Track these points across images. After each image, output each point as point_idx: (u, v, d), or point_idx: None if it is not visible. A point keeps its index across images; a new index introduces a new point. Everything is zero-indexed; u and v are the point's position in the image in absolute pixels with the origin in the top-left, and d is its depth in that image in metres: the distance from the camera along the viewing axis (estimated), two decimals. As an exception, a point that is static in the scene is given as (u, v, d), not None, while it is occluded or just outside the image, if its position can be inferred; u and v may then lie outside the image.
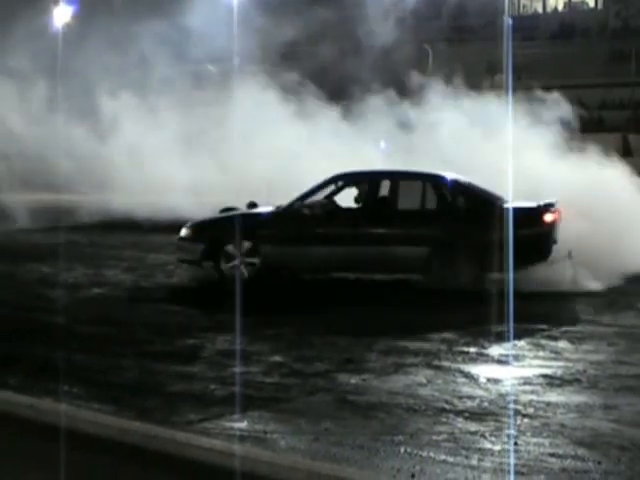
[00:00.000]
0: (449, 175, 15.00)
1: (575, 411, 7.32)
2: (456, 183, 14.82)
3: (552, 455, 6.22)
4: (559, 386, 8.11)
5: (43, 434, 2.71)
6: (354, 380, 8.34)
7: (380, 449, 6.32)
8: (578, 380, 8.33)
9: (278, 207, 14.81)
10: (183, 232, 15.02)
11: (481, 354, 9.51)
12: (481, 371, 8.69)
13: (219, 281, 14.39)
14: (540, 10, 55.59)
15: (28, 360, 9.14)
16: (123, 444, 2.45)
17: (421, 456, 6.18)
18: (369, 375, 8.55)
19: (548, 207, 14.25)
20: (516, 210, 14.07)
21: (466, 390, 7.98)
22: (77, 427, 2.52)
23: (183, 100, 23.19)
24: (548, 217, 14.17)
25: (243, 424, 6.91)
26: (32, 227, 23.72)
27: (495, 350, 9.68)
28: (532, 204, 14.32)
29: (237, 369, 8.67)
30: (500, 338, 10.09)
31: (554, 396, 7.76)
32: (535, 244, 14.01)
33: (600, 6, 52.69)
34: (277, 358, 9.24)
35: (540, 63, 45.79)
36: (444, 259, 13.84)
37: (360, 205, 14.75)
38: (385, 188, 14.89)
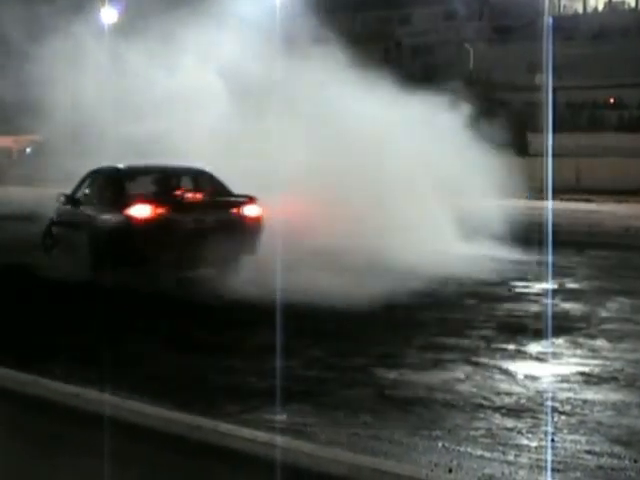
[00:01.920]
0: (116, 167, 15.26)
1: (612, 409, 7.34)
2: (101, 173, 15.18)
3: (588, 452, 6.26)
4: (596, 384, 8.14)
5: (89, 422, 2.80)
6: (392, 375, 8.42)
7: (418, 443, 6.39)
8: (615, 378, 8.35)
9: None
10: None
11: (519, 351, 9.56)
12: (519, 368, 8.74)
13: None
14: (580, 10, 55.33)
15: (71, 350, 9.31)
16: (167, 434, 2.53)
17: (458, 451, 6.24)
18: (407, 370, 8.63)
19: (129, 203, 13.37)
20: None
21: (504, 387, 8.04)
22: (122, 416, 2.61)
23: None
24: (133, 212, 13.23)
25: (283, 417, 6.99)
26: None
27: (534, 347, 9.71)
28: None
29: (277, 362, 8.74)
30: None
31: (591, 394, 7.79)
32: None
33: (641, 6, 52.40)
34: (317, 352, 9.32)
35: (580, 63, 45.61)
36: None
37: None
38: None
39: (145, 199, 13.39)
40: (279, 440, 2.23)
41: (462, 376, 8.36)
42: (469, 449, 6.28)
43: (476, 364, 8.86)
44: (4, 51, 24.64)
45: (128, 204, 13.23)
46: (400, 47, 55.40)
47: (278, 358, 8.61)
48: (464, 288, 13.71)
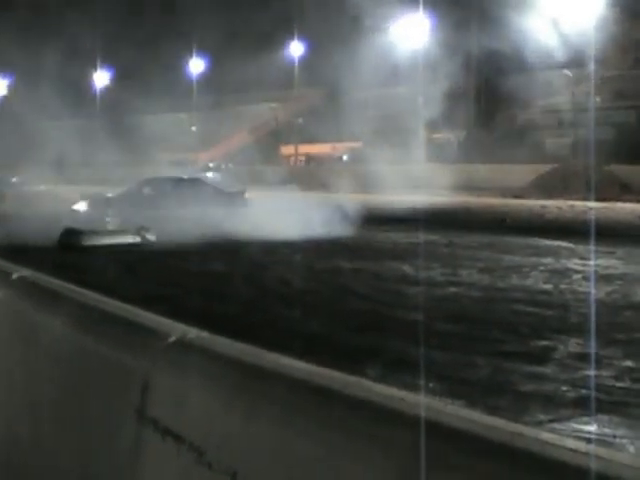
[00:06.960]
0: None
1: None
2: None
3: None
4: None
5: (408, 425, 3.03)
6: None
7: None
8: None
9: None
10: None
11: None
12: None
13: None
14: None
15: (386, 353, 9.67)
16: (488, 440, 2.70)
17: None
18: None
19: None
20: None
21: None
22: (445, 421, 2.80)
23: None
24: None
25: (592, 427, 7.01)
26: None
27: None
28: None
29: (588, 372, 8.73)
30: None
31: None
32: None
33: None
34: (629, 363, 9.21)
35: None
36: None
37: None
38: None
39: None
40: (602, 452, 2.34)
41: None
42: None
43: None
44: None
45: None
46: None
47: (589, 367, 8.63)
48: None
